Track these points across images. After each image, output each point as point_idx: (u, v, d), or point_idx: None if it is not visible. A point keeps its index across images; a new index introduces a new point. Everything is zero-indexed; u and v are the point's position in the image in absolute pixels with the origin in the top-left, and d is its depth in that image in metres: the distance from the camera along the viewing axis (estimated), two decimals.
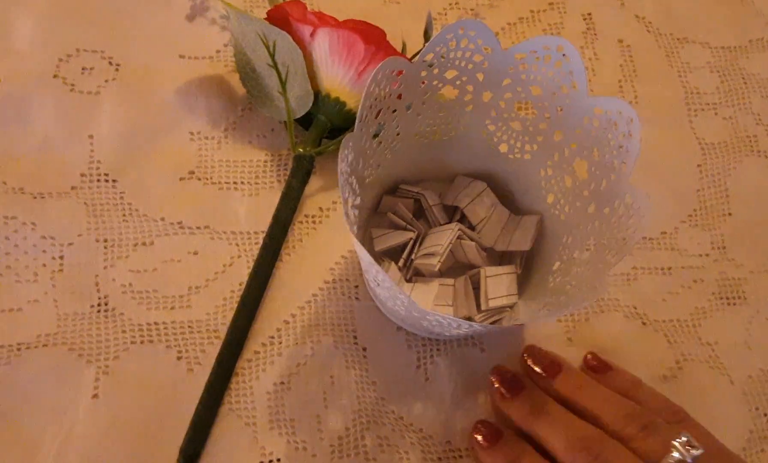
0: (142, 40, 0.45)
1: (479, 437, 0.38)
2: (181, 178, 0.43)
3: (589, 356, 0.41)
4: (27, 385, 0.37)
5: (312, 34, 0.40)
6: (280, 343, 0.40)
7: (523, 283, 0.42)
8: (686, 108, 0.50)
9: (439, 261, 0.39)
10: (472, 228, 0.42)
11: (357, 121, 0.33)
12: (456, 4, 0.50)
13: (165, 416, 0.38)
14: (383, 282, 0.33)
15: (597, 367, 0.41)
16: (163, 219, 0.42)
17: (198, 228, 0.42)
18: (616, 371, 0.40)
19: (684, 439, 0.33)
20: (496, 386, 0.39)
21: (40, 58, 0.44)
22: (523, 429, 0.37)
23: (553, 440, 0.35)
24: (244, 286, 0.40)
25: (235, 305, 0.40)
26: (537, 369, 0.39)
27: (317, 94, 0.42)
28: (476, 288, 0.41)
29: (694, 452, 0.33)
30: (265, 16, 0.43)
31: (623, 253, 0.33)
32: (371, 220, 0.43)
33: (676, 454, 0.33)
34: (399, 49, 0.44)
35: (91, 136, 0.43)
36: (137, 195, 0.42)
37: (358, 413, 0.39)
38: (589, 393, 0.38)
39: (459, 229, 0.41)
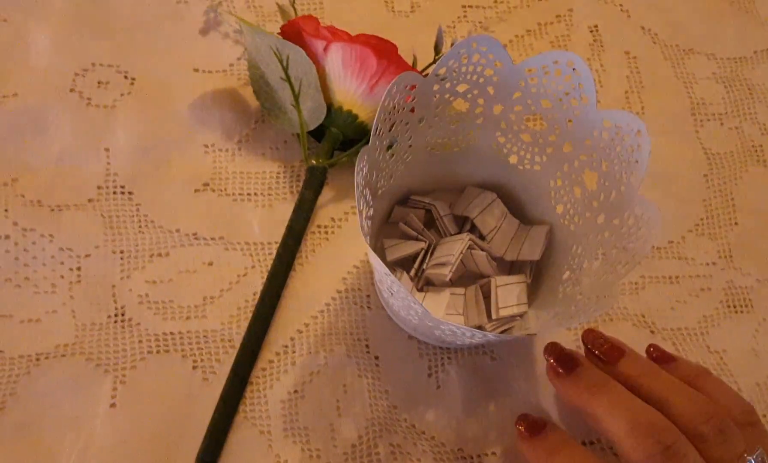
0: (156, 54, 0.46)
1: (521, 428, 0.36)
2: (195, 190, 0.43)
3: (651, 349, 0.38)
4: (46, 395, 0.38)
5: (325, 49, 0.41)
6: (294, 352, 0.41)
7: (533, 292, 0.42)
8: (692, 118, 0.50)
9: (450, 271, 0.40)
10: (482, 238, 0.43)
11: (372, 134, 0.34)
12: (465, 17, 0.51)
13: (181, 425, 0.38)
14: (398, 292, 0.33)
15: (660, 357, 0.38)
16: (178, 230, 0.42)
17: (213, 239, 0.42)
18: (681, 361, 0.38)
19: (759, 454, 0.31)
20: (551, 362, 0.36)
21: (56, 73, 0.45)
22: (578, 408, 0.35)
23: (613, 420, 0.32)
24: (258, 296, 0.41)
25: (250, 315, 0.41)
26: (597, 353, 0.36)
27: (330, 106, 0.43)
28: (486, 297, 0.42)
29: None
30: (279, 31, 0.44)
31: (633, 264, 0.34)
32: (382, 231, 0.43)
33: None
34: (410, 62, 0.45)
35: (107, 149, 0.43)
36: (153, 207, 0.43)
37: (370, 421, 0.40)
38: (656, 379, 0.34)
39: (470, 240, 0.41)
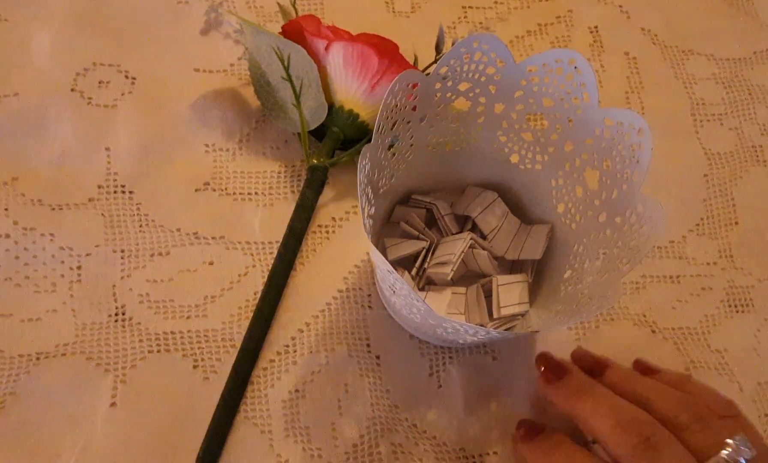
0: (157, 54, 0.46)
1: (521, 432, 0.38)
2: (196, 190, 0.43)
3: (636, 362, 0.41)
4: (46, 394, 0.38)
5: (327, 48, 0.41)
6: (295, 351, 0.41)
7: (534, 291, 0.42)
8: (692, 119, 0.51)
9: (452, 270, 0.40)
10: (484, 237, 0.43)
11: (374, 132, 0.34)
12: (465, 17, 0.51)
13: (182, 425, 0.38)
14: (400, 290, 0.33)
15: (645, 369, 0.40)
16: (179, 230, 0.42)
17: (213, 238, 0.42)
18: (665, 370, 0.40)
19: (739, 438, 0.32)
20: (542, 369, 0.38)
21: (57, 72, 0.45)
22: (567, 412, 0.36)
23: (597, 419, 0.34)
24: (259, 295, 0.41)
25: (251, 315, 0.41)
26: (585, 367, 0.39)
27: (331, 106, 0.43)
28: (488, 296, 0.42)
29: (748, 453, 0.31)
30: (280, 30, 0.44)
31: (635, 261, 0.34)
32: (384, 230, 0.43)
33: (728, 451, 0.31)
34: (411, 61, 0.45)
35: (107, 149, 0.43)
36: (153, 206, 0.42)
37: (372, 420, 0.39)
38: (638, 383, 0.36)
39: (471, 239, 0.41)
